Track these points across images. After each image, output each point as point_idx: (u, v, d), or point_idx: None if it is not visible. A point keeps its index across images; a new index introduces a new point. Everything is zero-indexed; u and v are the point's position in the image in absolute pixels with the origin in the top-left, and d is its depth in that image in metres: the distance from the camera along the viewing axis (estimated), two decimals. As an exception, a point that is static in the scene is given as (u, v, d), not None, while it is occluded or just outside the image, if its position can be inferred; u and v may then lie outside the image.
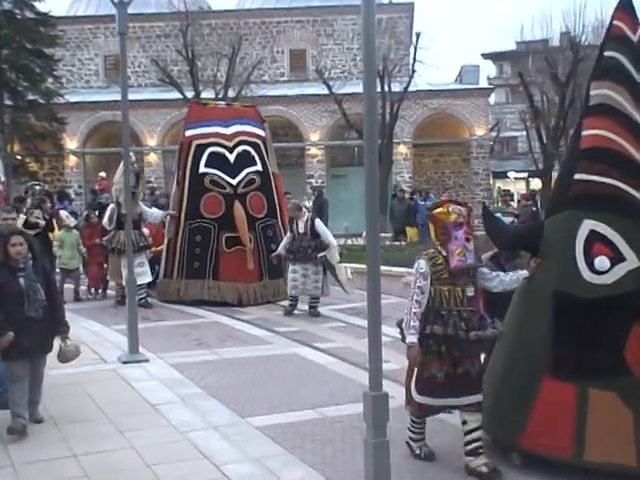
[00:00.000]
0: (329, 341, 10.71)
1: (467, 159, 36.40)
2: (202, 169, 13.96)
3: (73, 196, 29.46)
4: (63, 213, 15.37)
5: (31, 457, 6.06)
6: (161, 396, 7.78)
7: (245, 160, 14.21)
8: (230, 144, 14.23)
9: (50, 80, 31.12)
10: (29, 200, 17.67)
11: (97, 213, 15.65)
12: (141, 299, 12.61)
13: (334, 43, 38.88)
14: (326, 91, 32.51)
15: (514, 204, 24.69)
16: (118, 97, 10.23)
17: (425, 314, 5.65)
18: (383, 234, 21.32)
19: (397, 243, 22.59)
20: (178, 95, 31.53)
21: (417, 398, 5.85)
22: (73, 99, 33.33)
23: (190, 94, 31.00)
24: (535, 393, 5.70)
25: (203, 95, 31.06)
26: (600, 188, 5.72)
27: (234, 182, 13.87)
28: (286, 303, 13.01)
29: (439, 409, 5.95)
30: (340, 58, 38.82)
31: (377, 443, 4.60)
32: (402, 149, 35.00)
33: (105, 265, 14.20)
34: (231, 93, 31.38)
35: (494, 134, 44.67)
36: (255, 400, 7.64)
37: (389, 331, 10.82)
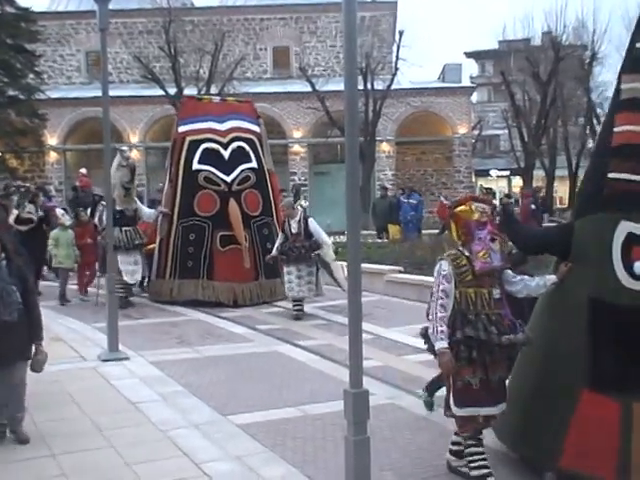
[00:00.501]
0: (310, 338, 10.70)
1: (449, 157, 36.47)
2: (196, 166, 13.67)
3: (53, 193, 29.23)
4: (59, 211, 14.96)
5: (9, 457, 6.00)
6: (141, 394, 7.74)
7: (240, 157, 13.93)
8: (224, 140, 13.96)
9: (31, 76, 30.83)
10: (15, 197, 17.50)
11: (89, 211, 15.28)
12: (120, 297, 12.18)
13: (317, 40, 38.82)
14: (309, 88, 32.48)
15: (495, 202, 24.72)
16: (100, 93, 10.14)
17: (451, 319, 5.34)
18: (365, 231, 21.30)
19: (379, 240, 22.60)
20: (160, 92, 31.38)
21: (459, 412, 5.42)
22: (54, 95, 33.06)
23: (172, 91, 30.88)
24: (572, 409, 5.30)
25: (186, 92, 30.90)
26: (638, 187, 5.31)
27: (229, 179, 13.57)
28: (279, 305, 12.95)
29: (486, 421, 5.47)
30: (323, 55, 38.77)
31: (357, 440, 4.60)
32: (385, 147, 35.02)
33: (97, 264, 13.73)
34: (214, 90, 31.25)
35: (476, 132, 44.81)
36: (236, 398, 7.62)
37: (370, 328, 10.95)
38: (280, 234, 12.52)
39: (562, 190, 48.57)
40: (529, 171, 36.35)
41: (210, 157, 13.70)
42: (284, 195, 16.44)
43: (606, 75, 60.87)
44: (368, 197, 27.46)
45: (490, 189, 27.26)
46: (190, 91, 31.02)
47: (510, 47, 41.31)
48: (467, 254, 5.47)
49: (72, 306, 13.37)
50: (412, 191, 24.78)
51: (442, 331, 5.28)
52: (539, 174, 39.55)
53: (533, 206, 24.34)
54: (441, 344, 5.28)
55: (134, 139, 35.55)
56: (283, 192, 16.77)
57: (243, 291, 13.33)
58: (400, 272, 15.02)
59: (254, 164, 14.05)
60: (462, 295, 5.39)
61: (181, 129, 14.19)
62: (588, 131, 37.30)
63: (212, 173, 13.53)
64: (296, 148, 36.17)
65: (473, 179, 40.80)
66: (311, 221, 12.39)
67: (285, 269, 12.28)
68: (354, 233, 4.78)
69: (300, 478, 5.58)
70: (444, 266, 5.48)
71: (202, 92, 31.12)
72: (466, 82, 38.60)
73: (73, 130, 35.56)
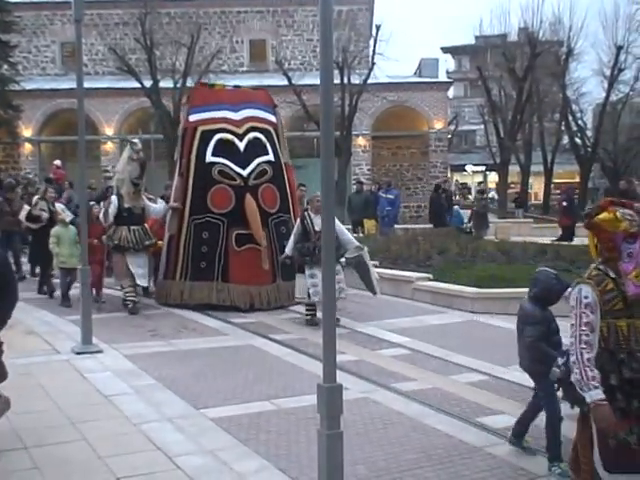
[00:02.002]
0: (285, 332, 10.70)
1: (425, 152, 36.56)
2: (209, 158, 12.63)
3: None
4: (59, 206, 13.94)
5: (-20, 449, 5.95)
6: (114, 387, 7.71)
7: (256, 149, 12.91)
8: (240, 131, 12.91)
9: (5, 67, 30.50)
10: (19, 190, 17.14)
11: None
12: (128, 303, 12.02)
13: (294, 34, 38.74)
14: (285, 82, 32.38)
15: (471, 197, 24.83)
16: (75, 85, 10.05)
17: (597, 359, 4.28)
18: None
19: (354, 235, 22.60)
20: (136, 84, 31.14)
21: (608, 478, 4.33)
22: (29, 86, 32.74)
23: (148, 83, 30.67)
24: None
25: (161, 84, 30.75)
26: None
27: (244, 173, 12.54)
28: (295, 309, 12.18)
29: None
30: (300, 49, 38.71)
31: (331, 434, 4.59)
32: (361, 141, 35.04)
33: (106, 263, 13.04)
34: (190, 82, 31.07)
35: (452, 127, 45.00)
36: (210, 392, 7.60)
37: (345, 322, 10.97)
38: (295, 231, 11.43)
39: (537, 186, 48.97)
40: (505, 166, 36.51)
41: (225, 149, 12.70)
42: (302, 189, 15.69)
43: (582, 71, 61.42)
44: (344, 192, 27.44)
45: (465, 184, 27.38)
46: (166, 83, 30.86)
47: (487, 42, 41.50)
48: (613, 275, 4.42)
49: (46, 299, 13.23)
50: (389, 186, 24.80)
51: (594, 377, 4.22)
52: (514, 169, 39.77)
53: (565, 203, 24.30)
54: (596, 394, 4.20)
55: (109, 131, 35.33)
56: (302, 186, 15.88)
57: (260, 294, 12.34)
58: (375, 267, 15.05)
59: (271, 157, 13.06)
60: (610, 328, 4.35)
61: (192, 118, 13.17)
62: (563, 127, 37.54)
63: (227, 166, 12.53)
64: (273, 141, 36.03)
65: (449, 174, 40.99)
66: (336, 221, 11.61)
67: (308, 271, 11.05)
68: (329, 227, 4.78)
69: (273, 472, 5.59)
70: (585, 292, 4.38)
71: (178, 85, 30.97)
72: (443, 77, 38.61)
73: (48, 122, 35.26)
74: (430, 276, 13.70)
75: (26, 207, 14.54)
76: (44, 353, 9.22)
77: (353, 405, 6.90)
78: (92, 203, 13.87)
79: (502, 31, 39.14)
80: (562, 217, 23.93)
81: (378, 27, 32.81)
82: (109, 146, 35.71)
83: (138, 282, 12.11)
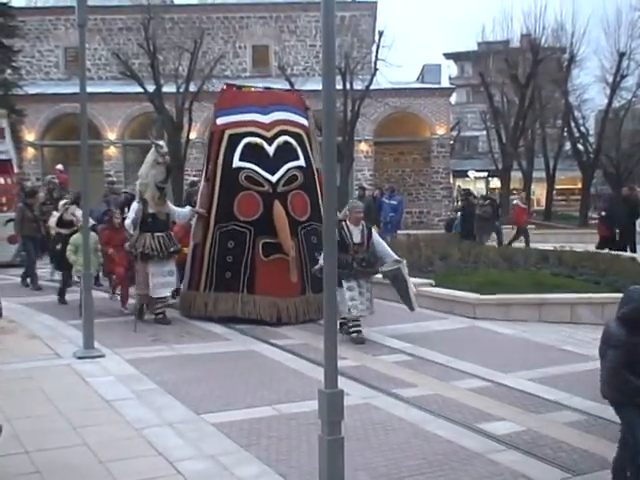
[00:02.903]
0: (287, 338, 10.69)
1: (428, 158, 36.55)
2: (236, 163, 11.99)
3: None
4: (78, 212, 12.80)
5: (-19, 454, 5.96)
6: (116, 392, 7.71)
7: (286, 153, 12.25)
8: (269, 134, 12.26)
9: (9, 71, 30.59)
10: (42, 194, 16.79)
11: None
12: (158, 314, 11.61)
13: (297, 39, 38.80)
14: (288, 87, 32.42)
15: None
16: (78, 89, 10.06)
17: None
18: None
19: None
20: (139, 89, 31.18)
21: None
22: (32, 91, 32.80)
23: (151, 88, 30.71)
24: None
25: (164, 89, 30.78)
26: None
27: (273, 179, 11.87)
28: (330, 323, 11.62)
29: None
30: (303, 55, 38.76)
31: (332, 440, 4.60)
32: (363, 147, 35.04)
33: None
34: (193, 88, 31.14)
35: (455, 133, 45.03)
36: (211, 397, 7.61)
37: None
38: None
39: (539, 192, 48.95)
40: (507, 172, 36.52)
41: (253, 153, 12.05)
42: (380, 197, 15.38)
43: (584, 78, 61.41)
44: (346, 197, 27.46)
45: (468, 190, 27.34)
46: (169, 88, 30.89)
47: (489, 49, 41.53)
48: None
49: (48, 303, 13.23)
50: (392, 191, 24.81)
51: None
52: (517, 176, 39.78)
53: (604, 212, 23.46)
54: None
55: (112, 136, 35.39)
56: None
57: (288, 307, 11.65)
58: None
59: (302, 162, 12.34)
60: None
61: (220, 121, 12.50)
62: (566, 133, 37.53)
63: (255, 172, 11.87)
64: (275, 146, 36.06)
65: (451, 180, 40.97)
66: (374, 232, 11.02)
67: (345, 284, 10.38)
68: (331, 233, 4.80)
69: (274, 477, 5.59)
70: None
71: (181, 90, 30.99)
72: (445, 83, 38.71)
73: (51, 126, 35.31)
74: (432, 282, 13.70)
75: (54, 213, 14.12)
76: (46, 357, 9.22)
77: (354, 411, 6.90)
78: (112, 209, 13.70)
79: (504, 37, 39.25)
80: (600, 226, 23.04)
81: (381, 33, 32.83)
82: (112, 151, 35.78)
83: (152, 294, 11.49)
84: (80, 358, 9.09)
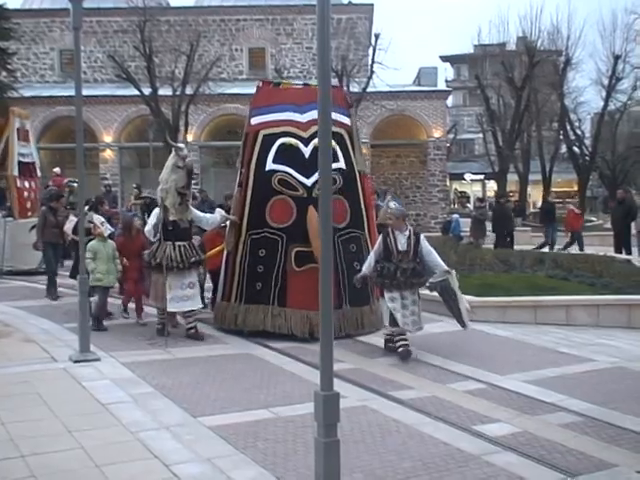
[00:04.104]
0: (283, 341, 10.67)
1: (424, 160, 36.63)
2: (269, 165, 11.20)
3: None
4: (97, 218, 12.23)
5: (-23, 457, 5.94)
6: (112, 395, 7.69)
7: None
8: (305, 134, 11.32)
9: (4, 74, 30.50)
10: (63, 198, 15.98)
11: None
12: (190, 329, 10.79)
13: (293, 42, 38.88)
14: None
15: (470, 205, 24.84)
16: (73, 92, 10.03)
17: None
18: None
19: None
20: (135, 91, 31.23)
21: None
22: (28, 94, 32.81)
23: (147, 91, 30.74)
24: None
25: (160, 92, 30.81)
26: None
27: (309, 182, 10.97)
28: (363, 339, 10.71)
29: None
30: (299, 57, 38.84)
31: (328, 442, 4.60)
32: (360, 149, 35.10)
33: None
34: (189, 90, 31.18)
35: (451, 136, 45.11)
36: (208, 400, 7.59)
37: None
38: (376, 249, 9.96)
39: (535, 194, 49.05)
40: (503, 175, 36.59)
41: (287, 155, 11.21)
42: (376, 200, 14.42)
43: (580, 81, 61.69)
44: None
45: (464, 193, 27.38)
46: (165, 91, 30.93)
47: (485, 51, 41.66)
48: None
49: (44, 307, 13.22)
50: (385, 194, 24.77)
51: None
52: (513, 178, 39.85)
53: None
54: None
55: (108, 139, 35.40)
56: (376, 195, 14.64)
57: None
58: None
59: (342, 164, 11.42)
60: None
61: (254, 121, 11.70)
62: (562, 136, 37.65)
63: (289, 175, 11.07)
64: (271, 150, 36.12)
65: (447, 183, 41.05)
66: (423, 239, 10.03)
67: (387, 295, 9.68)
68: (327, 236, 4.81)
69: (270, 480, 5.58)
70: None
71: (177, 92, 30.99)
72: (441, 86, 38.79)
73: (46, 129, 35.34)
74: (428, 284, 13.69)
75: (72, 218, 13.45)
76: (41, 361, 9.19)
77: (350, 413, 6.90)
78: (132, 214, 13.10)
79: (501, 40, 39.36)
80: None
81: (377, 36, 32.94)
82: (108, 154, 35.79)
83: (168, 307, 10.62)
84: (76, 362, 9.06)
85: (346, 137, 11.82)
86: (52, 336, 10.73)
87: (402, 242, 9.70)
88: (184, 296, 10.67)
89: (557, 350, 10.23)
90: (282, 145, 11.29)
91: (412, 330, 9.67)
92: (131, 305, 12.23)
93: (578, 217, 24.10)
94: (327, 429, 4.60)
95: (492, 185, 47.63)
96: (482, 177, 54.87)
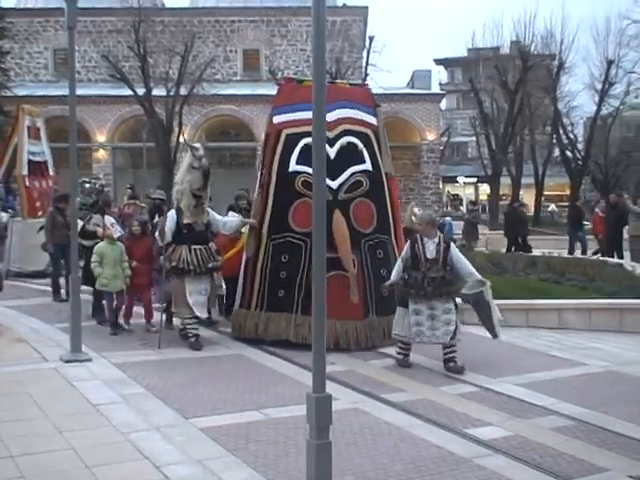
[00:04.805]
0: (278, 342, 10.64)
1: (417, 163, 36.68)
2: (293, 167, 10.65)
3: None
4: (107, 220, 11.97)
5: (-33, 457, 5.92)
6: (103, 396, 7.66)
7: (350, 156, 10.83)
8: (331, 134, 10.61)
9: (-3, 73, 30.58)
10: (77, 199, 15.93)
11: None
12: (190, 336, 10.24)
13: (288, 44, 38.90)
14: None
15: (463, 208, 24.89)
16: (67, 92, 10.00)
17: None
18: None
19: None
20: (129, 92, 31.20)
21: None
22: (21, 93, 32.75)
23: (141, 91, 30.70)
24: None
25: (154, 92, 30.78)
26: None
27: (334, 185, 10.47)
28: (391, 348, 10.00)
29: None
30: (294, 59, 38.86)
31: (319, 444, 4.60)
32: (353, 151, 35.13)
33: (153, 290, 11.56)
34: (183, 91, 31.15)
35: (444, 139, 45.16)
36: (199, 401, 7.57)
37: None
38: (403, 256, 9.45)
39: (527, 198, 49.15)
40: (496, 178, 36.65)
41: (311, 156, 11.13)
42: (407, 204, 14.26)
43: (573, 85, 61.87)
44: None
45: (457, 195, 27.43)
46: (159, 92, 30.89)
47: (479, 55, 41.78)
48: None
49: (36, 306, 13.18)
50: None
51: None
52: (505, 181, 39.93)
53: None
54: None
55: (101, 139, 35.35)
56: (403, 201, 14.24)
57: (347, 331, 10.19)
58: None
59: (368, 166, 10.95)
60: None
61: (276, 120, 11.14)
62: (554, 140, 37.74)
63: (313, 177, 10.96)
64: (265, 151, 36.14)
65: (440, 185, 41.10)
66: (454, 246, 9.56)
67: (412, 306, 9.17)
68: (319, 238, 4.81)
69: (262, 482, 5.57)
70: None
71: (171, 93, 30.95)
72: (435, 89, 38.94)
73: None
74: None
75: (78, 221, 12.77)
76: (32, 361, 9.15)
77: (342, 415, 6.89)
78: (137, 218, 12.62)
79: (494, 44, 39.43)
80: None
81: (371, 38, 33.04)
82: (101, 154, 35.73)
83: (197, 313, 10.20)
84: (67, 362, 9.03)
85: (372, 137, 11.31)
86: (43, 336, 10.69)
87: (431, 249, 9.19)
88: (203, 302, 10.27)
89: (549, 353, 10.24)
90: (306, 145, 10.47)
91: (446, 342, 9.13)
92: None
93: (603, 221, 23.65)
94: (319, 431, 4.59)
95: (485, 188, 47.69)
96: (475, 180, 55.00)
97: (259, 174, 11.32)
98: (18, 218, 17.40)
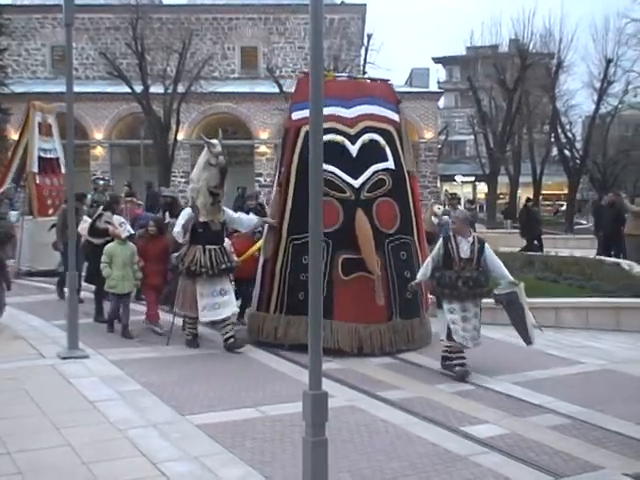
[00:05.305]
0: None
1: (415, 162, 36.67)
2: None
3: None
4: (116, 219, 11.45)
5: (-37, 454, 5.92)
6: (100, 393, 7.67)
7: (372, 153, 10.47)
8: (352, 131, 10.47)
9: (-5, 70, 30.54)
10: (89, 196, 15.29)
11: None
12: (227, 339, 9.89)
13: (286, 41, 38.89)
14: (277, 89, 32.46)
15: (460, 207, 24.85)
16: (65, 89, 10.00)
17: None
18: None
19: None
20: (126, 89, 31.18)
21: None
22: (18, 90, 32.70)
23: (139, 88, 30.68)
24: None
25: (152, 90, 30.76)
26: None
27: (356, 184, 10.18)
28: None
29: None
30: (291, 57, 38.85)
31: (316, 442, 4.60)
32: (351, 150, 35.13)
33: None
34: (180, 88, 31.13)
35: (442, 137, 45.16)
36: (196, 398, 7.58)
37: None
38: (434, 255, 9.04)
39: (525, 197, 49.17)
40: (494, 177, 36.65)
41: (332, 153, 9.86)
42: (432, 203, 14.19)
43: (572, 84, 61.92)
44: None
45: (455, 194, 27.44)
46: (156, 89, 30.87)
47: (478, 53, 41.78)
48: None
49: (33, 303, 13.17)
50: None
51: None
52: (503, 180, 39.93)
53: None
54: None
55: (99, 136, 35.33)
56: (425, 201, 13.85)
57: (371, 335, 9.83)
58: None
59: (391, 164, 10.56)
60: None
61: (295, 115, 10.68)
62: (553, 139, 37.73)
63: (334, 175, 10.10)
64: (262, 149, 36.22)
65: (438, 184, 41.10)
66: (488, 246, 9.17)
67: (446, 306, 8.87)
68: (316, 236, 4.82)
69: (258, 479, 5.57)
70: None
71: (169, 90, 30.93)
72: (433, 87, 38.90)
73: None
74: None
75: (86, 218, 12.62)
76: (30, 358, 9.16)
77: (339, 413, 6.90)
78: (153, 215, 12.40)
79: (493, 42, 39.42)
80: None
81: (370, 36, 33.07)
82: (98, 151, 35.71)
83: (201, 317, 9.93)
84: (64, 359, 9.03)
85: (395, 135, 10.91)
86: (40, 333, 10.70)
87: (465, 249, 8.88)
88: (216, 304, 9.87)
89: (546, 352, 10.25)
90: (327, 143, 9.44)
91: (471, 346, 8.82)
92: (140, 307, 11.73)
93: None
94: (315, 428, 4.60)
95: (483, 187, 47.70)
96: (473, 179, 54.99)
97: (277, 172, 10.93)
98: (29, 216, 16.98)
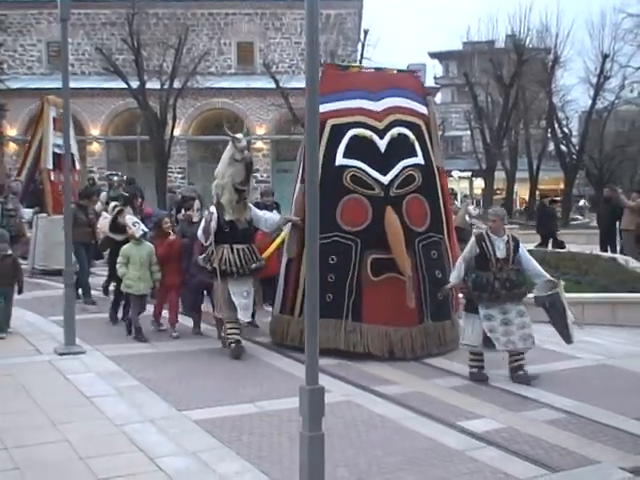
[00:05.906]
0: (269, 335, 10.66)
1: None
2: (340, 160, 9.76)
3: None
4: (129, 218, 10.97)
5: (-39, 449, 5.93)
6: (97, 388, 7.68)
7: (401, 148, 9.98)
8: (380, 125, 9.98)
9: (-10, 65, 30.49)
10: (104, 194, 14.92)
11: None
12: (231, 342, 9.46)
13: (282, 37, 38.83)
14: (273, 85, 32.43)
15: (457, 203, 24.90)
16: (61, 84, 10.00)
17: None
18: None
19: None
20: (122, 84, 31.11)
21: None
22: (14, 85, 32.68)
23: (135, 84, 30.63)
24: None
25: (148, 85, 30.70)
26: None
27: (385, 180, 9.68)
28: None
29: None
30: (288, 52, 38.79)
31: (312, 436, 4.62)
32: (348, 145, 35.13)
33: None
34: (177, 84, 31.09)
35: (439, 133, 45.14)
36: (193, 393, 7.59)
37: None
38: (467, 254, 8.69)
39: (522, 192, 49.21)
40: (490, 173, 36.66)
41: (360, 148, 9.79)
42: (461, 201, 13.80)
43: (568, 79, 61.96)
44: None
45: (452, 190, 27.44)
46: (153, 85, 30.82)
47: (474, 49, 41.77)
48: None
49: (30, 299, 13.12)
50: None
51: None
52: (500, 176, 39.94)
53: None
54: None
55: (95, 132, 35.28)
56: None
57: (402, 339, 9.44)
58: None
59: (420, 159, 10.10)
60: None
61: (320, 109, 11.11)
62: (549, 134, 37.73)
63: (362, 171, 9.68)
64: (259, 145, 36.17)
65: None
66: (522, 246, 8.87)
67: (482, 311, 8.44)
68: (313, 231, 4.83)
69: (255, 474, 5.59)
70: None
71: (165, 86, 30.88)
72: (430, 83, 38.81)
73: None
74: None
75: (105, 214, 12.42)
76: (26, 354, 9.16)
77: (335, 408, 6.92)
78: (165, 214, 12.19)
79: (490, 38, 39.41)
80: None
81: (366, 31, 32.97)
82: (95, 147, 35.68)
83: (240, 316, 9.46)
84: (61, 354, 9.04)
85: (424, 129, 10.44)
86: (37, 329, 10.70)
87: (500, 248, 8.49)
88: (245, 304, 9.51)
89: (542, 347, 10.25)
90: (354, 137, 9.85)
91: (524, 349, 8.54)
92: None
93: None
94: (312, 423, 4.61)
95: (479, 182, 47.71)
96: (469, 174, 54.98)
97: (299, 168, 10.30)
98: (43, 214, 16.54)
